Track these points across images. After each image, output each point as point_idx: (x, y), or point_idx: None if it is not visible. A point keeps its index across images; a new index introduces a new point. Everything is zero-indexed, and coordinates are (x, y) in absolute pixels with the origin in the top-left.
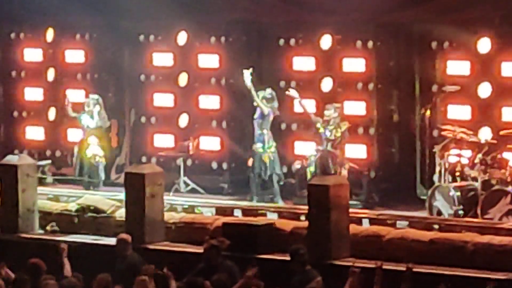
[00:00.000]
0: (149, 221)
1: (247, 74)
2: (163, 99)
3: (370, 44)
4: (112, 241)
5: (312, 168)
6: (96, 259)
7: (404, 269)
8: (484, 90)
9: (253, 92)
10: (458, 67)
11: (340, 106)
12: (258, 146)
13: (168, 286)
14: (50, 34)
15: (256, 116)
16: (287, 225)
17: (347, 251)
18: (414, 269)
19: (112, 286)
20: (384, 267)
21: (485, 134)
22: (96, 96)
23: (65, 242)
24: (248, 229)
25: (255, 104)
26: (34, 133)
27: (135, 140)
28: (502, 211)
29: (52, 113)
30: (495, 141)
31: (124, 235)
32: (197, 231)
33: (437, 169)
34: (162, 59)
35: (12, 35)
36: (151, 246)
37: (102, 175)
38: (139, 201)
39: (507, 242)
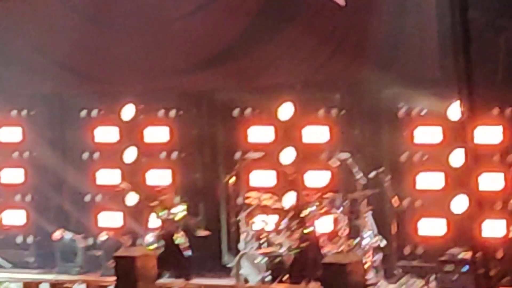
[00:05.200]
0: None
1: None
2: None
3: (172, 112)
4: None
5: None
6: None
7: None
8: (288, 155)
9: None
10: (260, 134)
11: None
12: None
13: None
14: None
15: None
16: None
17: None
18: None
19: None
20: None
21: (289, 199)
22: None
23: None
24: None
25: None
26: None
27: None
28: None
29: None
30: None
31: None
32: None
33: (243, 236)
34: None
35: None
36: None
37: None
38: None
39: None
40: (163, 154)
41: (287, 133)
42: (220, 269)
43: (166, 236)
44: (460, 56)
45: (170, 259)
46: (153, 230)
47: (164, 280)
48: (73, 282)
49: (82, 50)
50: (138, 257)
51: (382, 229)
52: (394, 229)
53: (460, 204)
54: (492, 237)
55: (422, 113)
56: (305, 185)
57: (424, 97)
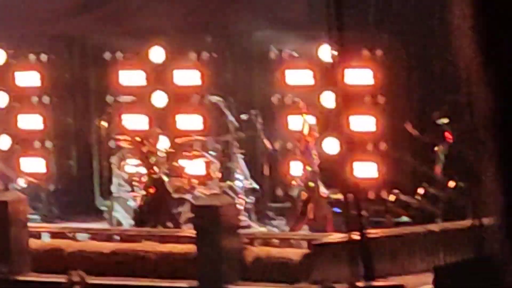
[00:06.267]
0: None
1: None
2: None
3: (43, 57)
4: None
5: None
6: None
7: None
8: (159, 99)
9: None
10: (132, 77)
11: None
12: None
13: None
14: None
15: None
16: None
17: (28, 266)
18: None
19: None
20: None
21: (162, 143)
22: None
23: None
24: None
25: None
26: None
27: None
28: (182, 219)
29: None
30: (172, 150)
31: None
32: None
33: (115, 179)
34: None
35: None
36: None
37: None
38: None
39: (188, 250)
40: (34, 99)
41: (158, 77)
42: (93, 212)
43: (159, 181)
44: None
45: (160, 204)
46: (27, 175)
47: (35, 224)
48: None
49: None
50: (10, 202)
51: (254, 172)
52: (266, 171)
53: (331, 145)
54: (363, 178)
55: (293, 55)
56: (177, 128)
57: (295, 39)
